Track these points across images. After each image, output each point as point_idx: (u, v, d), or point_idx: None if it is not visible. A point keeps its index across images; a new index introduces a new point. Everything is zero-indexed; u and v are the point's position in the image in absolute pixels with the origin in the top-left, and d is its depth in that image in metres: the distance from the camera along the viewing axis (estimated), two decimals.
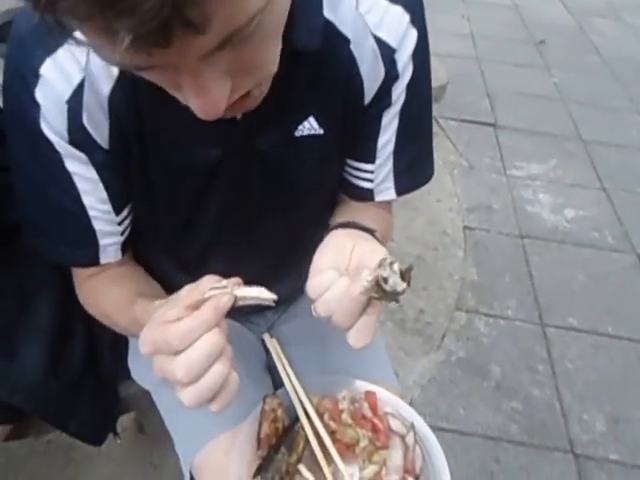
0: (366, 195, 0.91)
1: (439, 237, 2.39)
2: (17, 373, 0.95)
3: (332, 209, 0.98)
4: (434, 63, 2.32)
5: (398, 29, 0.74)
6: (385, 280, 0.56)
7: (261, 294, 0.60)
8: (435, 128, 3.15)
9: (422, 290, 2.13)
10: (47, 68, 0.66)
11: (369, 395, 0.84)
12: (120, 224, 0.82)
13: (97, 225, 0.79)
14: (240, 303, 0.59)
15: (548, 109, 3.63)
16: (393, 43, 0.75)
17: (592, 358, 2.03)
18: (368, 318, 0.61)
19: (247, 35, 0.46)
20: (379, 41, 0.74)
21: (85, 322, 1.04)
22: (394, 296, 0.58)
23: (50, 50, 0.66)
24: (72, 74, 0.67)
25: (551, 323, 2.14)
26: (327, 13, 0.71)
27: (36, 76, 0.66)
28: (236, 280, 0.60)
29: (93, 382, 1.06)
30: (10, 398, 0.93)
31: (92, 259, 0.82)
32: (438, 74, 2.71)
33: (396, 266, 0.57)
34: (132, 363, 1.09)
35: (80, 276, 0.88)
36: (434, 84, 2.10)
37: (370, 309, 0.60)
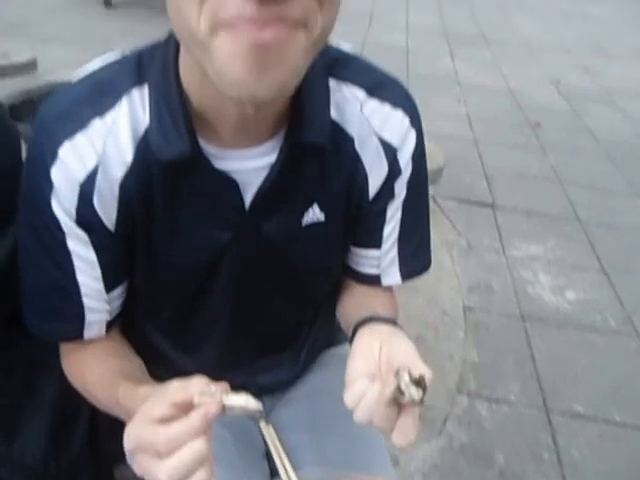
0: (373, 280, 0.95)
1: (439, 317, 2.38)
2: (18, 453, 0.95)
3: (333, 295, 1.01)
4: (430, 145, 2.36)
5: (400, 130, 0.83)
6: (402, 392, 0.61)
7: (248, 404, 0.62)
8: (434, 208, 3.19)
9: None
10: (65, 151, 0.71)
11: None
12: (110, 302, 0.83)
13: (86, 301, 0.80)
14: (228, 413, 0.60)
15: (545, 190, 3.70)
16: (395, 143, 0.83)
17: (599, 447, 1.98)
18: (406, 420, 0.63)
19: None
20: (382, 141, 0.82)
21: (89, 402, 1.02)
22: (416, 403, 0.62)
23: (70, 134, 0.71)
24: (88, 158, 0.71)
25: (556, 409, 2.09)
26: (334, 114, 0.79)
27: (54, 157, 0.71)
28: (224, 386, 0.61)
29: (91, 464, 1.04)
30: (10, 478, 0.91)
31: (76, 333, 0.83)
32: (435, 156, 2.78)
33: (407, 377, 0.61)
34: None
35: (65, 348, 0.89)
36: (431, 166, 2.13)
37: (406, 410, 0.63)
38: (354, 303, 0.96)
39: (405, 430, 0.63)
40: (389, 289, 0.99)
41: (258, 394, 1.02)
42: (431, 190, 3.28)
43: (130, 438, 0.59)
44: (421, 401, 0.61)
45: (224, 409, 0.60)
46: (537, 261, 2.95)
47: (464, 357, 2.23)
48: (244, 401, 0.61)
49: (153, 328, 0.93)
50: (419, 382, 0.61)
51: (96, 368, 0.84)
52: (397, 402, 0.62)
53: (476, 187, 3.57)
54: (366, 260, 0.94)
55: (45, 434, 0.97)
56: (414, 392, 0.60)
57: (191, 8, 0.53)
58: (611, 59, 6.81)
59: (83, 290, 0.79)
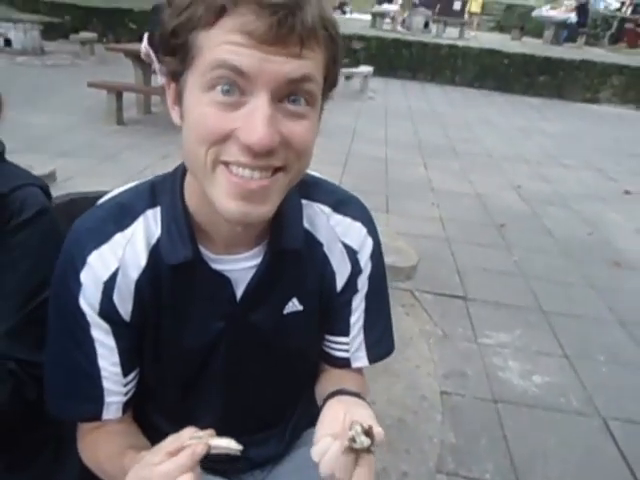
0: (344, 363, 1.01)
1: (418, 401, 2.37)
2: None
3: (313, 378, 1.06)
4: (405, 245, 2.44)
5: (359, 237, 0.95)
6: (354, 440, 0.67)
7: (230, 445, 0.67)
8: (412, 300, 3.23)
9: (405, 453, 2.07)
10: (93, 257, 0.80)
11: None
12: (126, 385, 0.88)
13: (106, 384, 0.86)
14: (213, 452, 0.66)
15: (511, 283, 3.74)
16: (356, 247, 0.94)
17: None
18: (361, 469, 0.68)
19: (307, 95, 0.68)
20: (345, 245, 0.94)
21: None
22: (366, 450, 0.68)
23: (97, 245, 0.81)
24: (111, 263, 0.81)
25: None
26: (306, 224, 0.91)
27: (83, 263, 0.80)
28: (210, 432, 0.68)
29: None
30: None
31: (95, 414, 0.87)
32: (410, 255, 2.85)
33: (359, 428, 0.67)
34: None
35: (82, 429, 0.92)
36: (407, 264, 2.22)
37: (361, 461, 0.68)
38: (327, 382, 1.01)
39: (360, 478, 0.68)
40: (358, 370, 1.04)
41: (249, 467, 1.06)
42: (408, 285, 3.34)
43: (130, 478, 0.67)
44: (369, 448, 0.67)
45: (210, 449, 0.65)
46: (506, 348, 2.95)
47: (442, 438, 2.21)
48: (226, 443, 0.67)
49: (154, 408, 0.97)
50: (368, 433, 0.67)
51: (107, 445, 0.88)
52: (353, 455, 0.68)
53: (450, 281, 3.61)
54: (337, 345, 1.01)
55: None
56: (364, 439, 0.67)
57: (201, 149, 0.68)
58: (565, 168, 6.99)
59: (103, 374, 0.85)
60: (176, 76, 0.72)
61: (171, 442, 0.67)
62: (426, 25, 16.44)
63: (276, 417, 1.07)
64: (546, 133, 9.12)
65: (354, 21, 17.40)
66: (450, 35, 15.58)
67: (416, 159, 6.62)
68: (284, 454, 1.10)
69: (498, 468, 2.12)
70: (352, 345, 1.00)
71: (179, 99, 0.73)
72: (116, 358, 0.85)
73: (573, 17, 16.94)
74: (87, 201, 1.89)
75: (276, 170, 0.70)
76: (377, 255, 0.98)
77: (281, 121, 0.67)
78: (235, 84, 0.65)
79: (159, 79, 6.29)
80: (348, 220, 0.94)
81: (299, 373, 1.03)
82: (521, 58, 13.10)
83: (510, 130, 9.08)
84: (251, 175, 0.68)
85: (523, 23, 18.91)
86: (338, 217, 0.93)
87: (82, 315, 0.81)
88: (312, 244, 0.91)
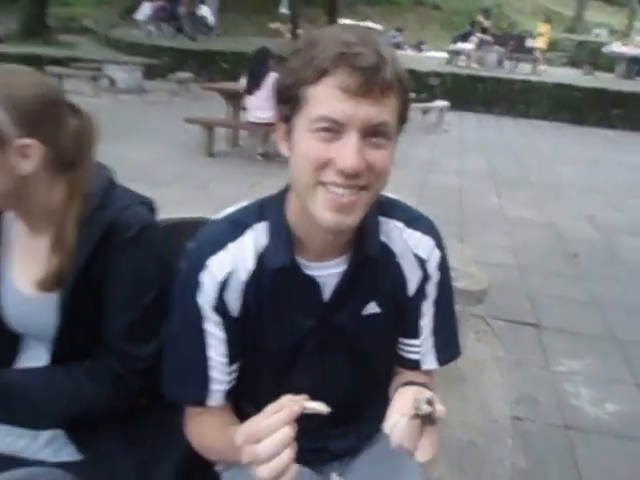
0: (415, 365, 1.09)
1: (489, 424, 2.32)
2: None
3: (389, 378, 1.12)
4: (476, 270, 2.39)
5: (428, 249, 1.05)
6: (418, 408, 0.75)
7: (320, 407, 0.78)
8: (484, 327, 3.18)
9: (476, 476, 2.04)
10: (211, 262, 0.94)
11: None
12: (229, 374, 1.00)
13: (212, 373, 0.97)
14: (306, 411, 0.77)
15: (583, 312, 3.61)
16: (425, 257, 1.04)
17: None
18: (425, 440, 0.77)
19: (385, 134, 0.84)
20: (417, 256, 1.04)
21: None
22: (429, 417, 0.76)
23: (215, 252, 0.95)
24: (225, 266, 0.95)
25: None
26: (383, 237, 1.02)
27: (203, 266, 0.94)
28: (305, 396, 0.78)
29: None
30: None
31: (201, 400, 0.98)
32: (480, 279, 2.82)
33: (421, 396, 0.77)
34: None
35: (190, 413, 1.04)
36: (478, 287, 2.22)
37: (426, 433, 0.77)
38: (399, 382, 1.05)
39: (425, 448, 0.77)
40: (428, 373, 1.11)
41: (330, 459, 1.13)
42: (480, 310, 3.28)
43: (240, 433, 0.77)
44: (431, 417, 0.76)
45: (304, 409, 0.76)
46: (578, 375, 2.85)
47: (513, 462, 2.15)
48: (318, 405, 0.78)
49: (246, 397, 1.05)
50: (430, 401, 0.76)
51: (212, 426, 1.00)
52: (419, 426, 0.76)
53: (521, 309, 3.53)
54: (409, 348, 1.09)
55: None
56: (425, 407, 0.75)
57: (306, 173, 0.84)
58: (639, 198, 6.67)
59: (211, 363, 0.97)
60: (287, 119, 0.87)
61: (273, 406, 0.77)
62: (499, 62, 16.22)
63: (355, 412, 1.14)
64: (620, 164, 8.72)
65: (431, 59, 17.43)
66: (522, 70, 15.28)
67: (489, 189, 6.52)
68: (361, 448, 1.17)
69: None
70: (422, 348, 1.08)
71: (288, 135, 0.89)
72: (223, 349, 0.97)
73: None
74: (186, 225, 2.04)
75: (361, 188, 0.85)
76: (444, 266, 1.07)
77: (366, 151, 0.82)
78: (333, 128, 0.82)
79: (247, 115, 6.57)
80: (418, 234, 1.04)
81: (377, 372, 1.11)
82: (593, 92, 12.65)
83: (584, 161, 8.75)
84: (343, 192, 0.83)
85: (594, 59, 18.29)
86: (410, 231, 1.04)
87: (198, 310, 0.95)
88: (387, 254, 1.02)
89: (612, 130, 12.08)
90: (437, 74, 13.40)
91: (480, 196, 6.17)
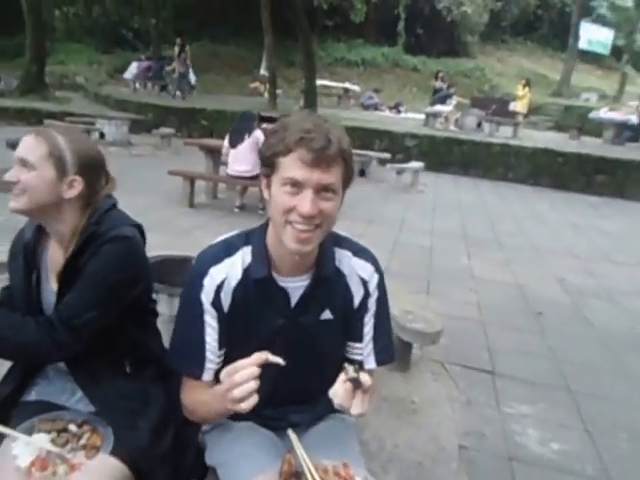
0: (358, 365, 1.55)
1: (437, 450, 2.78)
2: (135, 438, 1.54)
3: (337, 370, 1.56)
4: (432, 315, 3.06)
5: (369, 273, 1.58)
6: (347, 372, 1.28)
7: (277, 360, 1.29)
8: (441, 370, 3.70)
9: None
10: (213, 270, 1.48)
11: (344, 464, 1.40)
12: (219, 357, 1.51)
13: (207, 354, 1.49)
14: (267, 361, 1.29)
15: (541, 365, 4.10)
16: (366, 278, 1.58)
17: None
18: (357, 400, 1.27)
19: (332, 190, 1.35)
20: (360, 277, 1.57)
21: (174, 425, 1.63)
22: (357, 382, 1.26)
23: (215, 264, 1.48)
24: (222, 274, 1.48)
25: None
26: (337, 263, 1.56)
27: (206, 273, 1.48)
28: (268, 352, 1.30)
29: (180, 458, 1.58)
30: (129, 453, 1.48)
31: (198, 374, 1.50)
32: (434, 323, 3.42)
33: (350, 366, 1.30)
34: (208, 454, 1.64)
35: (186, 384, 1.54)
36: (431, 330, 2.96)
37: (357, 395, 1.27)
38: None
39: (357, 405, 1.26)
40: (370, 372, 1.56)
41: (289, 426, 1.61)
42: (438, 356, 3.80)
43: (224, 371, 1.31)
44: (358, 380, 1.26)
45: (267, 360, 1.27)
46: (527, 418, 3.32)
47: None
48: (275, 359, 1.29)
49: None
50: (357, 370, 1.27)
51: (201, 392, 1.50)
52: (351, 389, 1.25)
53: (480, 358, 4.04)
54: (354, 350, 1.62)
55: (151, 433, 1.57)
56: (352, 372, 1.27)
57: (279, 215, 1.37)
58: (616, 265, 7.25)
59: (207, 347, 1.49)
60: (268, 176, 1.40)
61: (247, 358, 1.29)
62: (479, 125, 17.45)
63: (310, 395, 1.64)
64: (601, 230, 9.40)
65: (408, 120, 18.88)
66: (503, 134, 16.34)
67: (460, 249, 7.17)
68: (314, 422, 1.67)
69: None
70: (364, 350, 1.61)
71: (268, 187, 1.41)
72: (216, 336, 1.50)
73: (634, 119, 17.53)
74: (173, 261, 2.69)
75: (316, 227, 1.36)
76: (381, 286, 1.61)
77: (318, 202, 1.33)
78: (296, 185, 1.33)
79: (227, 169, 7.75)
80: (362, 262, 1.59)
81: (328, 365, 1.57)
82: (576, 157, 13.59)
83: (562, 226, 9.46)
84: (302, 228, 1.34)
85: (581, 123, 19.62)
86: (356, 259, 1.59)
87: (200, 305, 1.47)
88: (339, 275, 1.55)
89: (595, 197, 12.93)
90: (413, 135, 14.49)
91: (450, 255, 6.81)
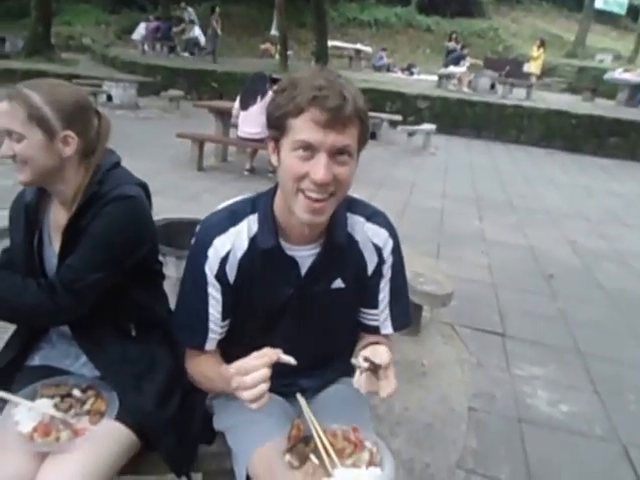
0: (375, 330, 1.55)
1: (447, 412, 2.77)
2: (141, 403, 1.49)
3: (349, 339, 1.58)
4: (442, 278, 2.99)
5: (383, 239, 1.48)
6: (358, 367, 1.25)
7: (289, 360, 1.22)
8: (451, 332, 3.66)
9: (429, 450, 2.48)
10: (217, 240, 1.38)
11: (354, 428, 1.34)
12: (222, 328, 1.45)
13: (210, 325, 1.43)
14: (279, 361, 1.21)
15: (551, 327, 4.08)
16: (380, 244, 1.47)
17: None
18: (383, 382, 1.24)
19: (348, 153, 1.23)
20: (374, 244, 1.47)
21: (180, 389, 1.57)
22: (375, 367, 1.23)
23: (219, 234, 1.38)
24: (227, 245, 1.38)
25: None
26: (349, 228, 1.44)
27: (210, 244, 1.38)
28: (279, 350, 1.22)
29: (187, 423, 1.54)
30: (134, 418, 1.43)
31: (200, 344, 1.45)
32: (445, 285, 3.35)
33: (357, 360, 1.26)
34: (216, 419, 1.60)
35: (189, 353, 1.50)
36: (441, 292, 2.89)
37: (381, 377, 1.24)
38: (364, 343, 1.48)
39: (384, 388, 1.22)
40: (386, 337, 1.56)
41: (299, 392, 1.56)
42: (448, 318, 3.76)
43: (233, 367, 1.21)
44: (369, 369, 1.23)
45: (278, 359, 1.20)
46: (537, 380, 3.30)
47: (465, 443, 2.59)
48: (288, 358, 1.21)
49: (237, 343, 1.47)
50: (366, 359, 1.24)
51: (206, 362, 1.46)
52: (372, 376, 1.24)
53: (490, 320, 4.01)
54: (369, 316, 1.55)
55: (156, 398, 1.51)
56: (362, 364, 1.24)
57: (289, 182, 1.24)
58: (627, 227, 7.20)
59: (210, 317, 1.43)
60: (276, 139, 1.27)
61: (258, 353, 1.22)
62: (492, 86, 17.08)
63: (320, 361, 1.59)
64: (613, 193, 9.32)
65: (421, 82, 18.45)
66: (517, 96, 16.07)
67: (472, 212, 7.09)
68: (324, 387, 1.63)
69: (514, 472, 2.48)
70: (380, 316, 1.54)
71: (276, 151, 1.28)
72: (219, 308, 1.43)
73: None
74: (181, 224, 2.62)
75: (330, 195, 1.25)
76: (396, 252, 1.51)
77: (333, 167, 1.21)
78: (308, 149, 1.20)
79: (237, 131, 7.48)
80: (376, 227, 1.47)
81: (340, 333, 1.57)
82: (589, 119, 13.41)
83: (573, 188, 9.37)
84: (316, 198, 1.23)
85: (596, 85, 19.20)
86: (369, 225, 1.47)
87: (205, 277, 1.39)
88: (352, 242, 1.45)
89: (608, 159, 12.78)
90: (426, 97, 14.23)
91: (461, 218, 6.73)
